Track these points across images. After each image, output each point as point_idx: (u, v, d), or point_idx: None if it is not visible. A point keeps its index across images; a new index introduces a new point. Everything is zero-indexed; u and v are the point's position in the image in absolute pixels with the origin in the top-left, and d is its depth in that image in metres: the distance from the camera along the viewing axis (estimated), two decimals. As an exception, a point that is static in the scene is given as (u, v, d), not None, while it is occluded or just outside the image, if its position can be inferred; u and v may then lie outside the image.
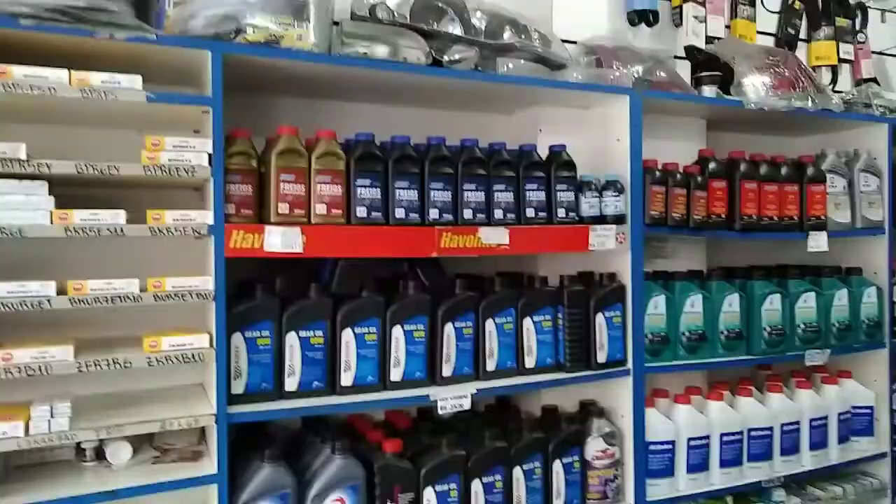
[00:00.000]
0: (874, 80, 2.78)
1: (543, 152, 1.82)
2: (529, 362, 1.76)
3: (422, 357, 1.59)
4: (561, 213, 1.77)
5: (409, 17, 1.66)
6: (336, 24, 1.61)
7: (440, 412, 1.56)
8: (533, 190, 1.74)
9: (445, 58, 1.67)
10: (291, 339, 1.47)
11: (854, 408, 2.32)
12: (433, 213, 1.59)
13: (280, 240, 1.40)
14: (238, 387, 1.41)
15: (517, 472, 1.68)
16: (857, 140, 2.39)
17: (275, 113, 1.77)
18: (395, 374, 1.56)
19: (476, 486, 1.60)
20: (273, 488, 1.37)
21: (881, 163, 2.35)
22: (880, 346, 2.35)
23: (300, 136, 1.49)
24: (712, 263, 2.33)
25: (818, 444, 2.21)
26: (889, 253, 2.36)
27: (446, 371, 1.62)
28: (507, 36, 1.80)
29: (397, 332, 1.56)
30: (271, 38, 1.45)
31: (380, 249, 1.52)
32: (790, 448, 2.15)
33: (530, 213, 1.74)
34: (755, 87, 2.10)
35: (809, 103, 2.15)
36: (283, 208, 1.43)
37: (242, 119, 1.48)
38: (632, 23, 2.16)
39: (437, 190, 1.60)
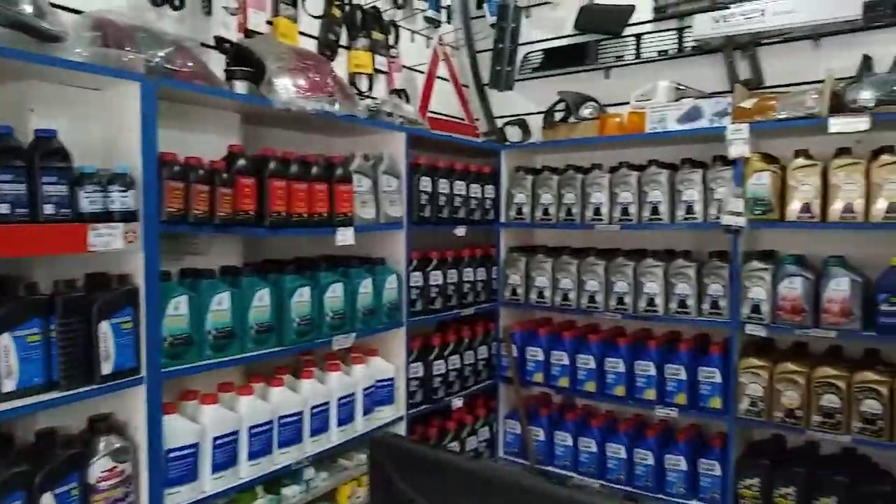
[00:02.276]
0: (404, 91, 3.18)
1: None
2: (9, 385, 1.49)
3: None
4: (49, 209, 1.53)
5: None
6: None
7: None
8: (8, 182, 1.46)
9: None
10: None
11: (378, 381, 2.64)
12: None
13: None
14: None
15: (-16, 521, 1.41)
16: (383, 144, 2.69)
17: None
18: None
19: (-86, 553, 1.28)
20: None
21: (400, 166, 2.70)
22: (399, 325, 2.72)
23: None
24: (254, 257, 2.36)
25: (346, 419, 2.45)
26: (406, 244, 2.73)
27: None
28: (-24, -10, 1.47)
29: None
30: None
31: None
32: (320, 427, 2.33)
33: (4, 209, 1.46)
34: (286, 87, 2.16)
35: (336, 108, 2.32)
36: None
37: None
38: (155, 3, 2.00)
39: None
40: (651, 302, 2.91)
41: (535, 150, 3.41)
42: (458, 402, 3.08)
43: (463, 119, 3.43)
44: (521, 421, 3.28)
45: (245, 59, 2.16)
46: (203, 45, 2.13)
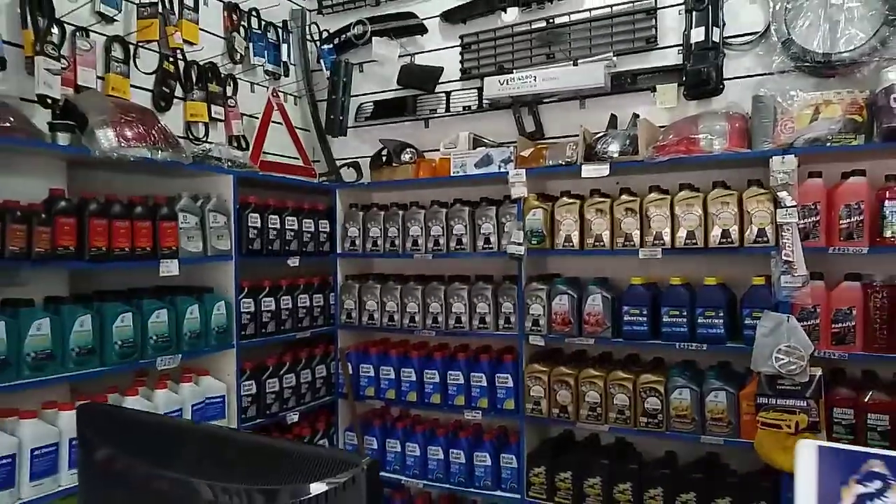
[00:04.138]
0: (244, 136, 3.54)
1: None
2: None
3: None
4: None
5: None
6: None
7: None
8: None
9: None
10: None
11: (209, 398, 2.92)
12: None
13: None
14: None
15: None
16: (211, 186, 3.02)
17: None
18: None
19: None
20: None
21: (229, 205, 3.04)
22: (230, 346, 3.03)
23: None
24: (85, 289, 2.62)
25: (173, 432, 2.72)
26: (235, 274, 3.05)
27: None
28: None
29: None
30: None
31: None
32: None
33: None
34: (108, 137, 2.47)
35: (160, 155, 2.65)
36: None
37: None
38: (-23, 66, 2.28)
39: None
40: (458, 319, 3.38)
41: (364, 189, 3.85)
42: (293, 417, 3.41)
43: (299, 161, 3.81)
44: (356, 432, 3.64)
45: (69, 113, 2.45)
46: (25, 100, 2.40)
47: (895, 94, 2.47)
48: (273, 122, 3.73)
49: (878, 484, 0.68)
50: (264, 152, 3.63)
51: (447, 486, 3.40)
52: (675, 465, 3.00)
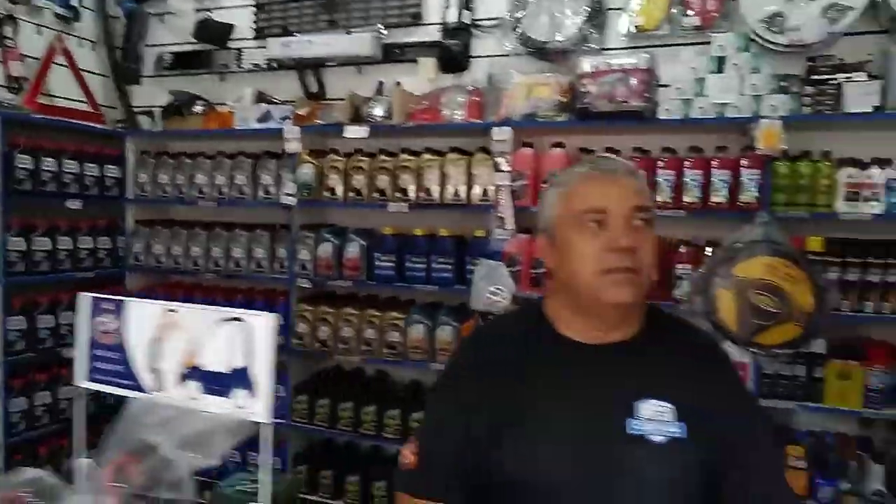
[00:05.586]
0: (25, 78, 3.56)
1: None
2: None
3: None
4: None
5: None
6: None
7: None
8: None
9: None
10: None
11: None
12: None
13: None
14: None
15: None
16: (-25, 124, 3.08)
17: None
18: None
19: None
20: None
21: (-4, 145, 3.11)
22: (-7, 282, 3.14)
23: None
24: None
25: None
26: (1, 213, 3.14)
27: None
28: None
29: None
30: None
31: None
32: None
33: None
34: None
35: None
36: None
37: None
38: None
39: None
40: (238, 263, 3.65)
41: (156, 137, 3.98)
42: (70, 353, 3.54)
43: (87, 106, 3.88)
44: (141, 369, 3.83)
45: None
46: None
47: (585, 79, 2.99)
48: (63, 66, 3.76)
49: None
50: (50, 96, 3.67)
51: (225, 416, 3.69)
52: (417, 389, 3.47)
